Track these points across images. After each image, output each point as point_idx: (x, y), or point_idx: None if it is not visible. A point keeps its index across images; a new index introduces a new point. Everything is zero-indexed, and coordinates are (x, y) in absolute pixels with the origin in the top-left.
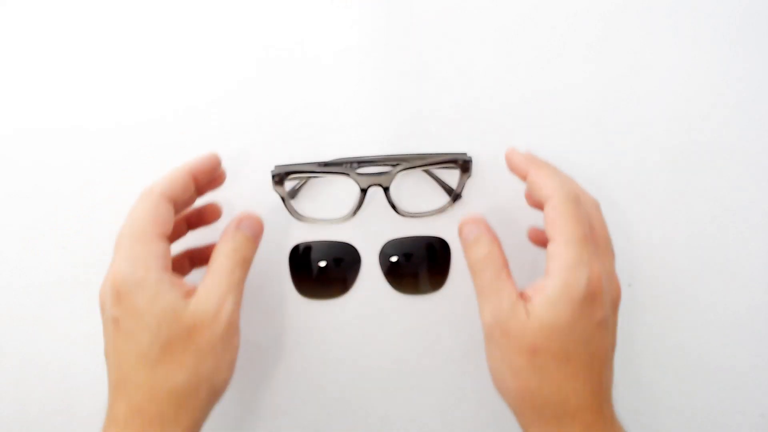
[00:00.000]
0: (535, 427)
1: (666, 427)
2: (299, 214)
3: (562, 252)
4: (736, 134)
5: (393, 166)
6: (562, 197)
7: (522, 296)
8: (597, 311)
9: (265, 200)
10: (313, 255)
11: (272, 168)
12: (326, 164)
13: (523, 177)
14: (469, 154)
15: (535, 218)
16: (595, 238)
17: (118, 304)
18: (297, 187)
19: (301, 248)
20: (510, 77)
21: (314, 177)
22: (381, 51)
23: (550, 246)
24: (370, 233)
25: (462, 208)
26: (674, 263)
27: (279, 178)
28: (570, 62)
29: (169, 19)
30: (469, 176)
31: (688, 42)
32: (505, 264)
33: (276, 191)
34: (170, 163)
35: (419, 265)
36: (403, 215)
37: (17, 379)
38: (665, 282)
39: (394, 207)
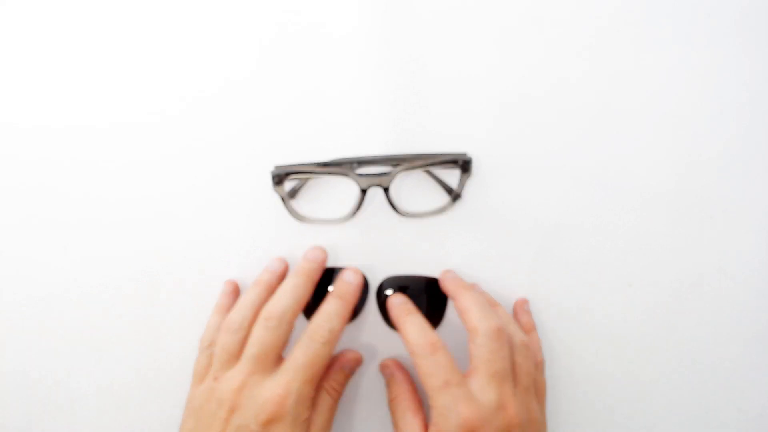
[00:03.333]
0: None
1: (665, 426)
2: (299, 215)
3: (440, 393)
4: (735, 134)
5: (393, 166)
6: (481, 335)
7: (425, 426)
8: None
9: (265, 200)
10: (324, 281)
11: (272, 168)
12: (326, 164)
13: (453, 300)
14: (469, 154)
15: (534, 222)
16: (514, 374)
17: (267, 427)
18: (297, 187)
19: None
20: (511, 76)
21: (314, 177)
22: (380, 51)
23: (469, 380)
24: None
25: (462, 208)
26: (673, 263)
27: (279, 178)
28: (570, 61)
29: (168, 20)
30: (469, 176)
31: (687, 42)
32: (415, 400)
33: (276, 191)
34: (168, 164)
35: (415, 303)
36: (403, 215)
37: (18, 378)
38: (664, 282)
39: (394, 207)
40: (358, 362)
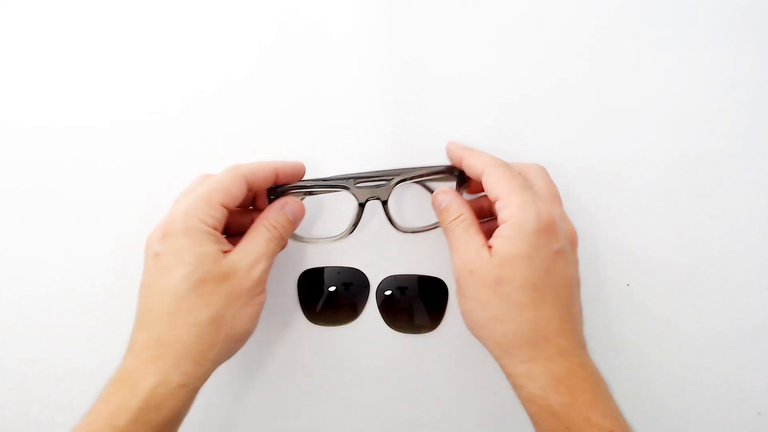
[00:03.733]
0: (509, 355)
1: (665, 426)
2: (298, 236)
3: (508, 201)
4: (734, 134)
5: (389, 180)
6: (492, 164)
7: (488, 246)
8: (553, 242)
9: None
10: (322, 280)
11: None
12: (324, 180)
13: (459, 163)
14: None
15: None
16: (537, 190)
17: (163, 241)
18: None
19: (309, 274)
20: (511, 76)
21: (312, 194)
22: (380, 51)
23: (497, 203)
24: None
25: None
26: (672, 263)
27: (275, 195)
28: (570, 61)
29: (168, 20)
30: (466, 187)
31: (687, 42)
32: (474, 222)
33: None
34: (168, 164)
35: (414, 303)
36: (401, 231)
37: (19, 377)
38: (663, 281)
39: (392, 222)
40: (301, 212)
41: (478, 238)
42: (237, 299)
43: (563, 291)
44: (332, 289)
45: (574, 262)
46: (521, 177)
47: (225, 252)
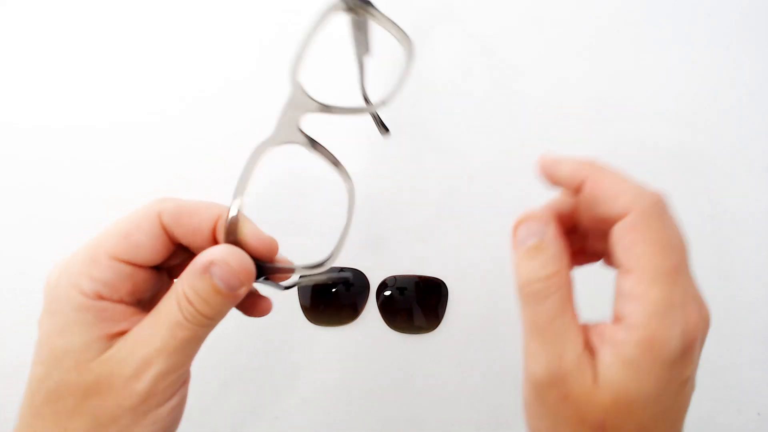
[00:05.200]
0: None
1: None
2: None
3: (646, 292)
4: (734, 134)
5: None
6: (644, 212)
7: (587, 345)
8: (687, 368)
9: (264, 200)
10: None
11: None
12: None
13: (576, 188)
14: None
15: None
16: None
17: (42, 311)
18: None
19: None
20: (511, 76)
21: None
22: (381, 50)
23: (625, 279)
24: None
25: (462, 209)
26: None
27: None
28: (570, 61)
29: (168, 20)
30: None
31: (687, 42)
32: (572, 292)
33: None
34: (168, 164)
35: (414, 303)
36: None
37: (20, 377)
38: None
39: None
40: (243, 277)
41: (575, 330)
42: (111, 423)
43: (678, 424)
44: (332, 289)
45: (697, 367)
46: (679, 247)
47: (115, 336)
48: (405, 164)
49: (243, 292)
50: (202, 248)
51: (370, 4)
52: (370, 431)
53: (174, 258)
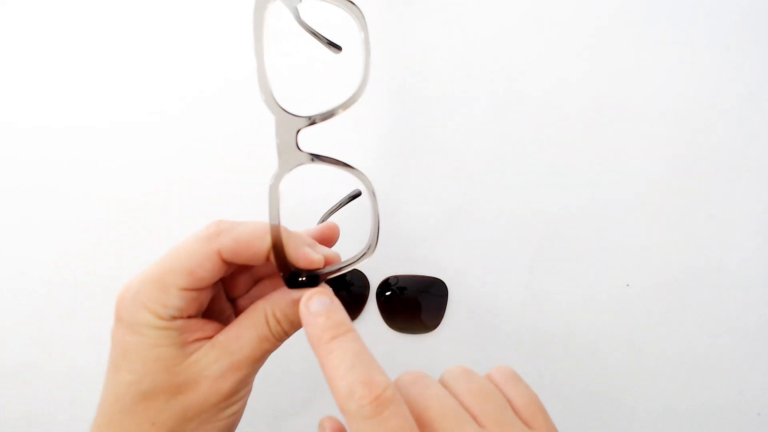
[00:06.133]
0: None
1: (664, 426)
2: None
3: None
4: (734, 134)
5: None
6: (354, 416)
7: None
8: None
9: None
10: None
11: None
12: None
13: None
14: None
15: (533, 222)
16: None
17: (115, 326)
18: None
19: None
20: (511, 76)
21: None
22: (381, 50)
23: None
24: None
25: (462, 209)
26: (671, 263)
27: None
28: (570, 61)
29: (168, 20)
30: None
31: (687, 42)
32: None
33: None
34: (168, 164)
35: (414, 303)
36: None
37: (20, 377)
38: (662, 282)
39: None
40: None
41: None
42: (195, 417)
43: None
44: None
45: None
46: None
47: (194, 342)
48: (404, 165)
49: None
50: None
51: None
52: None
53: (228, 276)
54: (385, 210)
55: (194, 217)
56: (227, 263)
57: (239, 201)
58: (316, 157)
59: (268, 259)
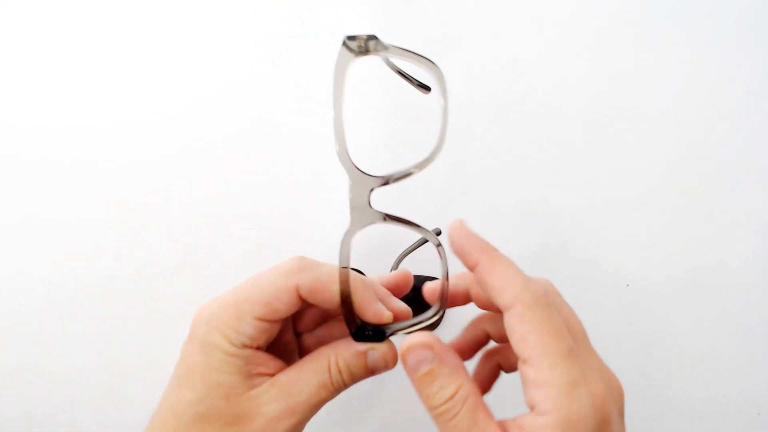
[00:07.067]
0: None
1: (664, 426)
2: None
3: (548, 377)
4: (734, 134)
5: None
6: (530, 303)
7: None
8: None
9: (265, 199)
10: None
11: None
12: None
13: (471, 267)
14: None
15: (533, 222)
16: (576, 342)
17: (187, 343)
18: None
19: None
20: (511, 76)
21: None
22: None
23: (527, 368)
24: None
25: (461, 208)
26: (671, 263)
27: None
28: (570, 61)
29: (168, 20)
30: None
31: (687, 42)
32: (479, 398)
33: None
34: (168, 164)
35: (414, 303)
36: None
37: (20, 377)
38: (662, 282)
39: None
40: (389, 364)
41: (491, 425)
42: None
43: None
44: None
45: None
46: (565, 330)
47: (257, 376)
48: (403, 165)
49: (382, 371)
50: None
51: (378, 39)
52: (370, 431)
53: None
54: (384, 210)
55: (194, 217)
56: (303, 300)
57: (239, 201)
58: (388, 217)
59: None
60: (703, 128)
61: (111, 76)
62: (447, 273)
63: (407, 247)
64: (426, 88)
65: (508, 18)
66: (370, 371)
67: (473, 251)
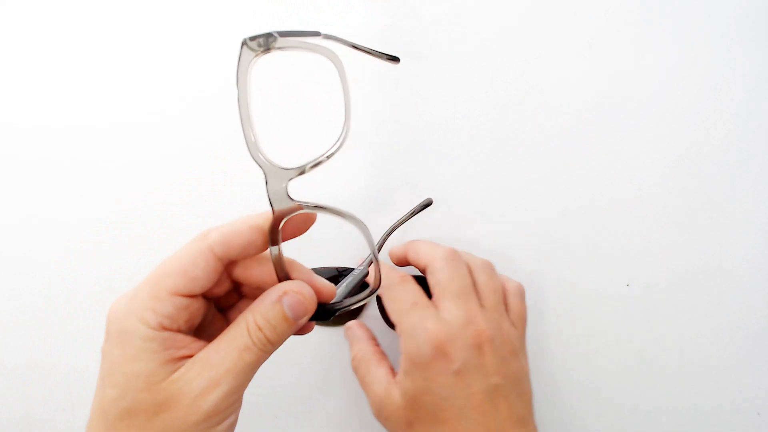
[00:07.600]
0: None
1: (664, 426)
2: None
3: (398, 323)
4: (734, 134)
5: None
6: (437, 259)
7: (393, 373)
8: (451, 363)
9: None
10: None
11: None
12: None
13: (404, 261)
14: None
15: (533, 221)
16: (478, 292)
17: (105, 341)
18: None
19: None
20: (510, 76)
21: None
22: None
23: None
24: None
25: (460, 207)
26: (671, 263)
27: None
28: (570, 61)
29: (168, 20)
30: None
31: (687, 42)
32: (376, 352)
33: None
34: (168, 164)
35: None
36: None
37: (20, 377)
38: (662, 282)
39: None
40: (309, 306)
41: (381, 371)
42: None
43: (472, 411)
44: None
45: (495, 364)
46: (467, 278)
47: (179, 360)
48: (402, 165)
49: (304, 321)
50: (258, 282)
51: (281, 34)
52: (370, 431)
53: (218, 287)
54: (383, 210)
55: (194, 217)
56: (221, 261)
57: (239, 201)
58: (309, 207)
59: (262, 246)
60: (703, 128)
61: (111, 76)
62: (377, 258)
63: (406, 213)
64: (395, 59)
65: (508, 18)
66: (292, 321)
67: (400, 249)
